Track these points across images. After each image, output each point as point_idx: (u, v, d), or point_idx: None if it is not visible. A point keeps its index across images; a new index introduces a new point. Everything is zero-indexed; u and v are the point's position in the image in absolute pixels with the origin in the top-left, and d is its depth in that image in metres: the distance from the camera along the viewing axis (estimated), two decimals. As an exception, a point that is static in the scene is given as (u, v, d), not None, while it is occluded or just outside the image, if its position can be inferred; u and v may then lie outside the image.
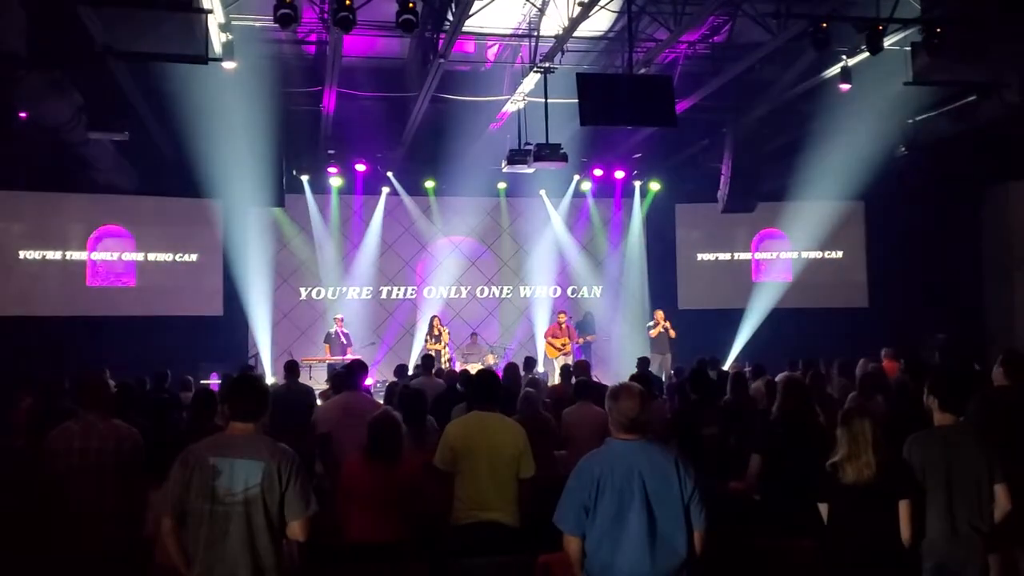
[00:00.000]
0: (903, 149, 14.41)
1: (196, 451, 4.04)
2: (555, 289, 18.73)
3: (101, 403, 5.59)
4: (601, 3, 9.93)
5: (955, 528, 4.65)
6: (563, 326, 16.64)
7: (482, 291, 18.65)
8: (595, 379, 10.54)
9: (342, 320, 16.54)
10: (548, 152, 11.72)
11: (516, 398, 7.50)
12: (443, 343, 16.23)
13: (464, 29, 10.28)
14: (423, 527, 5.42)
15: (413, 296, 18.34)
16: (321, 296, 17.85)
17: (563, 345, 16.36)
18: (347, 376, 7.91)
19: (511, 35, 12.20)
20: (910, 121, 14.07)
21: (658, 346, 16.34)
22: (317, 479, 6.77)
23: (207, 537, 3.92)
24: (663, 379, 13.32)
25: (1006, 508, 4.67)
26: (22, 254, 15.91)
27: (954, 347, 13.27)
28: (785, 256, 18.89)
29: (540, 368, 14.58)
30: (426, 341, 16.37)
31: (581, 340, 16.92)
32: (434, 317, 16.68)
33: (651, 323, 16.79)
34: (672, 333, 16.39)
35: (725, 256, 19.02)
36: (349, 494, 5.36)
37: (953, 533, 4.65)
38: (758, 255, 18.97)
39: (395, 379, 10.93)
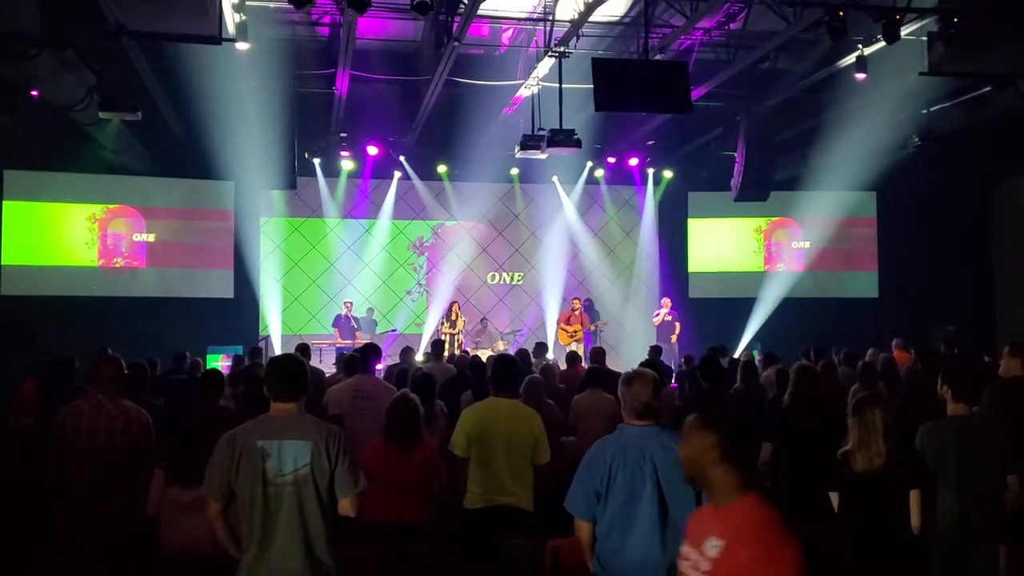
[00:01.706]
0: (916, 140, 14.33)
1: (242, 434, 4.03)
2: (566, 275, 18.69)
3: (111, 383, 5.60)
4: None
5: (966, 517, 4.66)
6: (577, 312, 16.65)
7: (493, 277, 18.64)
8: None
9: (351, 304, 16.56)
10: (562, 138, 11.67)
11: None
12: (458, 329, 16.24)
13: (479, 12, 10.21)
14: (439, 509, 5.45)
15: (424, 281, 18.33)
16: (332, 280, 17.85)
17: (575, 332, 16.36)
18: (360, 359, 7.91)
19: (526, 19, 12.13)
20: (924, 112, 13.99)
21: (662, 334, 16.37)
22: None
23: (259, 519, 3.93)
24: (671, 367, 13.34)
25: (1018, 498, 4.66)
26: (34, 233, 15.92)
27: (964, 338, 13.21)
28: (797, 245, 18.83)
29: (551, 355, 14.57)
30: (441, 325, 16.38)
31: (593, 327, 16.90)
32: (454, 303, 16.69)
33: (661, 311, 16.89)
34: (677, 326, 16.45)
35: (737, 244, 18.96)
36: (368, 476, 5.40)
37: (964, 522, 4.66)
38: (770, 244, 18.91)
39: (400, 362, 10.91)
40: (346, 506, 4.05)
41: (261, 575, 3.93)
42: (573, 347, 15.36)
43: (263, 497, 3.93)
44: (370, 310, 17.22)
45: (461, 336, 16.28)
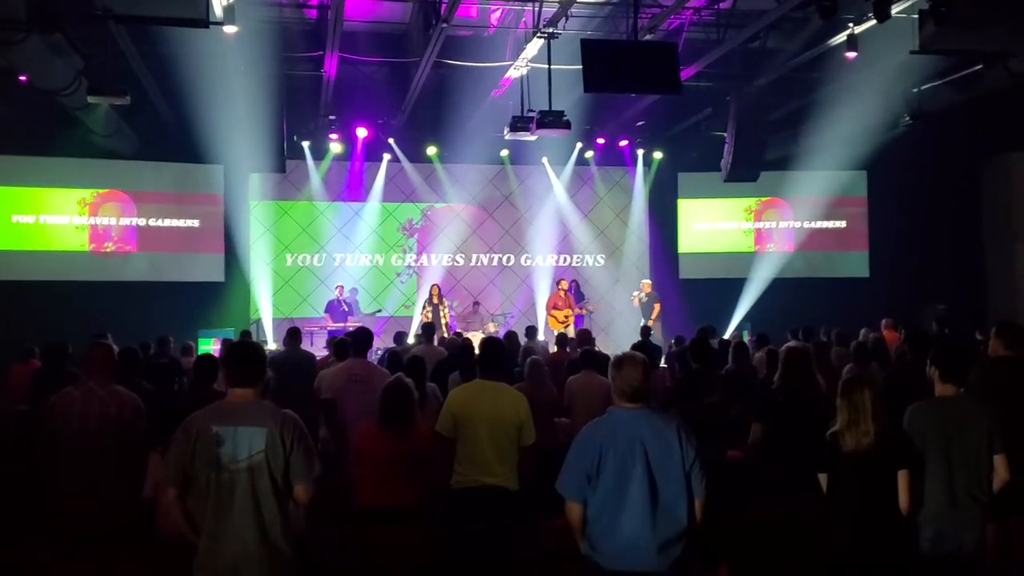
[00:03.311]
0: (907, 119, 14.33)
1: (198, 420, 4.04)
2: (556, 257, 18.70)
3: (103, 369, 5.59)
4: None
5: (954, 498, 4.68)
6: (564, 294, 16.65)
7: (482, 259, 18.63)
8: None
9: (342, 288, 16.54)
10: (551, 119, 11.64)
11: (515, 367, 7.53)
12: (442, 311, 16.20)
13: (467, -6, 10.20)
14: (433, 491, 5.49)
15: (415, 263, 18.33)
16: (322, 263, 17.84)
17: (566, 318, 16.34)
18: (352, 343, 7.92)
19: (514, 0, 12.10)
20: (915, 90, 13.99)
21: (644, 314, 16.46)
22: (322, 444, 6.83)
23: (213, 505, 3.94)
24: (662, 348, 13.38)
25: (1005, 478, 4.70)
26: (23, 219, 15.86)
27: (955, 317, 13.27)
28: (787, 225, 18.85)
29: (541, 337, 14.59)
30: (424, 308, 16.34)
31: (582, 310, 16.91)
32: (434, 285, 16.68)
33: (637, 292, 17.00)
34: (656, 307, 16.49)
35: (727, 225, 18.97)
36: (362, 459, 5.47)
37: (952, 503, 4.68)
38: (760, 224, 18.93)
39: (394, 345, 10.94)
40: (300, 493, 4.04)
41: (217, 561, 3.95)
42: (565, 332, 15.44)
43: (217, 483, 3.94)
44: (354, 290, 17.18)
45: (447, 313, 16.19)
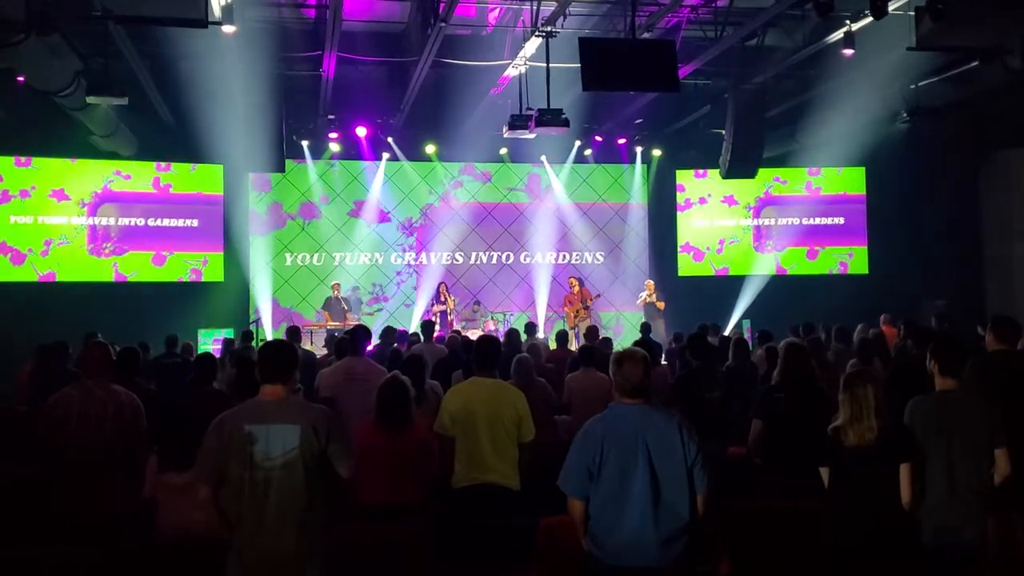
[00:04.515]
0: (905, 115, 14.35)
1: (230, 419, 4.07)
2: (555, 255, 18.73)
3: (101, 369, 5.61)
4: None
5: (955, 491, 4.68)
6: (576, 290, 16.79)
7: (482, 257, 18.65)
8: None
9: (339, 286, 16.57)
10: (550, 117, 11.65)
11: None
12: (450, 307, 16.33)
13: (465, -8, 10.21)
14: (433, 489, 5.50)
15: (414, 262, 18.34)
16: (321, 262, 17.85)
17: (577, 313, 16.47)
18: (351, 341, 7.92)
19: (512, -1, 12.13)
20: (912, 87, 14.00)
21: (649, 315, 16.44)
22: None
23: (248, 503, 3.97)
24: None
25: (1006, 472, 4.70)
26: (21, 219, 15.85)
27: (954, 312, 13.27)
28: (786, 222, 18.84)
29: (541, 334, 14.61)
30: (432, 305, 16.42)
31: (590, 300, 16.91)
32: (441, 283, 16.72)
33: (642, 293, 16.97)
34: (660, 305, 16.51)
35: (726, 222, 18.97)
36: (360, 457, 5.42)
37: (953, 496, 4.68)
38: (759, 221, 18.93)
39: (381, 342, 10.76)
40: (343, 471, 4.16)
41: (251, 558, 3.98)
42: (580, 325, 15.65)
43: (252, 481, 3.97)
44: (354, 289, 17.21)
45: (452, 315, 16.33)
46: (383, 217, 18.19)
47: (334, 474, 4.15)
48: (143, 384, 7.12)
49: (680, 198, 18.95)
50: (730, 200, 18.78)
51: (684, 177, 18.86)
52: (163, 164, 16.51)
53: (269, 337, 16.28)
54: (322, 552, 4.06)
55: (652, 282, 17.34)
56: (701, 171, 18.26)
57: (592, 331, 10.75)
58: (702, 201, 18.90)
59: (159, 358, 10.52)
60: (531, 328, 12.44)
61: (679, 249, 18.86)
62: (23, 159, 15.68)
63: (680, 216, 18.95)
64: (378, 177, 17.91)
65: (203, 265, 16.86)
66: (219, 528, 4.10)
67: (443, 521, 5.26)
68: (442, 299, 16.34)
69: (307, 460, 4.00)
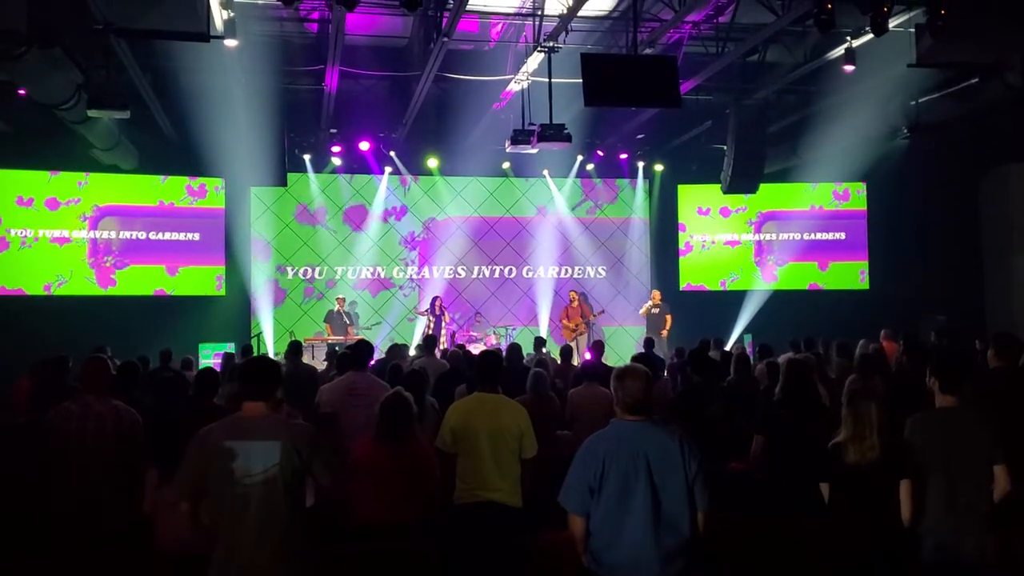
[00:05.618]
0: (905, 131, 14.36)
1: (212, 435, 4.05)
2: (557, 269, 18.73)
3: (100, 383, 5.60)
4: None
5: (955, 508, 4.67)
6: (575, 304, 16.79)
7: (484, 271, 18.64)
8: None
9: (343, 300, 16.55)
10: (552, 132, 11.68)
11: (518, 378, 7.50)
12: (444, 323, 16.28)
13: (468, 8, 10.21)
14: (433, 507, 5.46)
15: (416, 276, 18.34)
16: (323, 276, 17.85)
17: (576, 326, 16.48)
18: (352, 356, 7.90)
19: (515, 14, 12.14)
20: (912, 103, 14.02)
21: (652, 326, 16.43)
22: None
23: (227, 518, 3.96)
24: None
25: (1006, 489, 4.69)
26: (22, 232, 15.86)
27: (954, 328, 13.26)
28: (787, 237, 18.86)
29: (546, 349, 14.60)
30: (428, 321, 16.38)
31: (593, 317, 16.89)
32: (436, 298, 16.71)
33: (647, 303, 16.99)
34: (668, 319, 16.49)
35: (727, 237, 18.97)
36: (360, 474, 5.40)
37: (953, 513, 4.67)
38: (760, 236, 18.94)
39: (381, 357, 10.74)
40: (325, 484, 4.13)
41: (230, 574, 3.96)
42: (577, 340, 15.60)
43: (232, 497, 3.95)
44: (353, 303, 17.19)
45: (444, 331, 16.24)
46: (385, 231, 18.19)
47: (328, 493, 4.15)
48: (142, 399, 7.10)
49: (681, 212, 18.96)
50: (731, 215, 18.78)
51: (685, 192, 18.88)
52: (164, 177, 16.51)
53: (271, 351, 16.27)
54: (301, 569, 4.03)
55: (659, 292, 17.33)
56: (702, 186, 18.24)
57: (598, 346, 10.74)
58: (703, 216, 18.89)
59: (153, 372, 10.48)
60: (540, 343, 12.41)
61: (680, 263, 18.86)
62: (24, 172, 15.68)
63: (681, 230, 18.94)
64: (380, 191, 17.93)
65: (204, 279, 16.84)
66: (201, 543, 4.07)
67: (443, 540, 5.23)
68: (437, 313, 16.22)
69: (287, 477, 3.98)
